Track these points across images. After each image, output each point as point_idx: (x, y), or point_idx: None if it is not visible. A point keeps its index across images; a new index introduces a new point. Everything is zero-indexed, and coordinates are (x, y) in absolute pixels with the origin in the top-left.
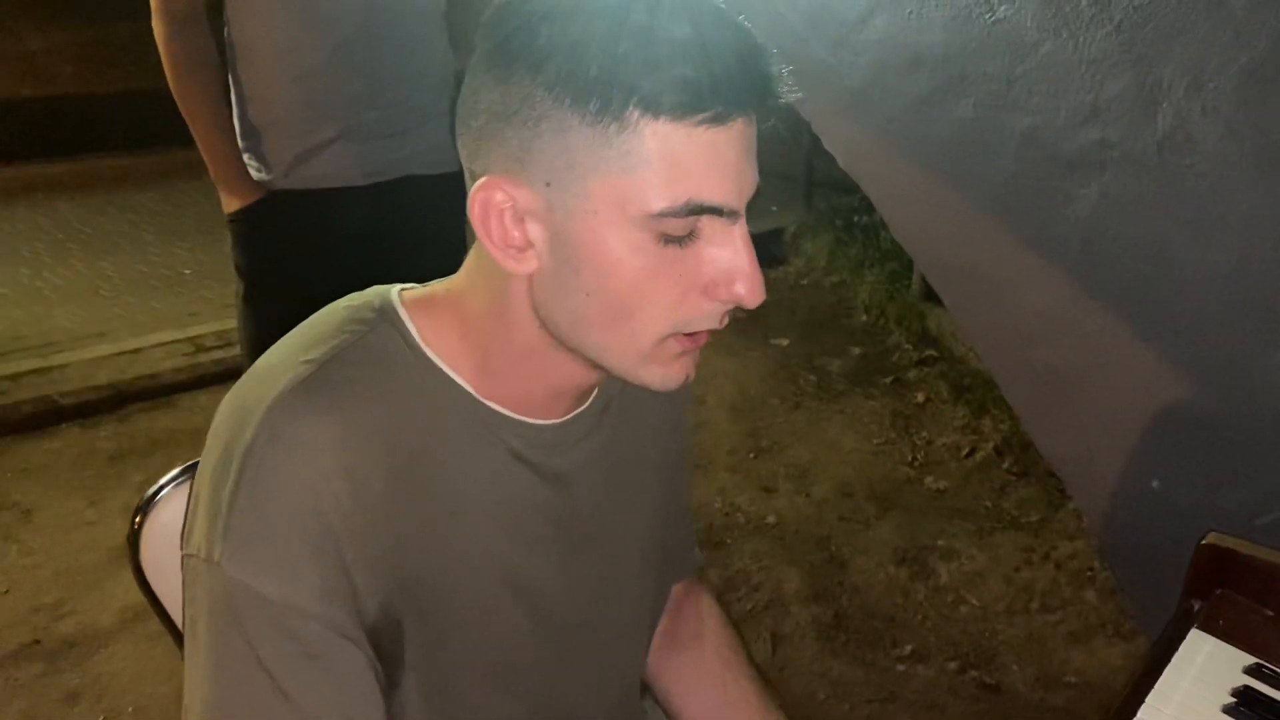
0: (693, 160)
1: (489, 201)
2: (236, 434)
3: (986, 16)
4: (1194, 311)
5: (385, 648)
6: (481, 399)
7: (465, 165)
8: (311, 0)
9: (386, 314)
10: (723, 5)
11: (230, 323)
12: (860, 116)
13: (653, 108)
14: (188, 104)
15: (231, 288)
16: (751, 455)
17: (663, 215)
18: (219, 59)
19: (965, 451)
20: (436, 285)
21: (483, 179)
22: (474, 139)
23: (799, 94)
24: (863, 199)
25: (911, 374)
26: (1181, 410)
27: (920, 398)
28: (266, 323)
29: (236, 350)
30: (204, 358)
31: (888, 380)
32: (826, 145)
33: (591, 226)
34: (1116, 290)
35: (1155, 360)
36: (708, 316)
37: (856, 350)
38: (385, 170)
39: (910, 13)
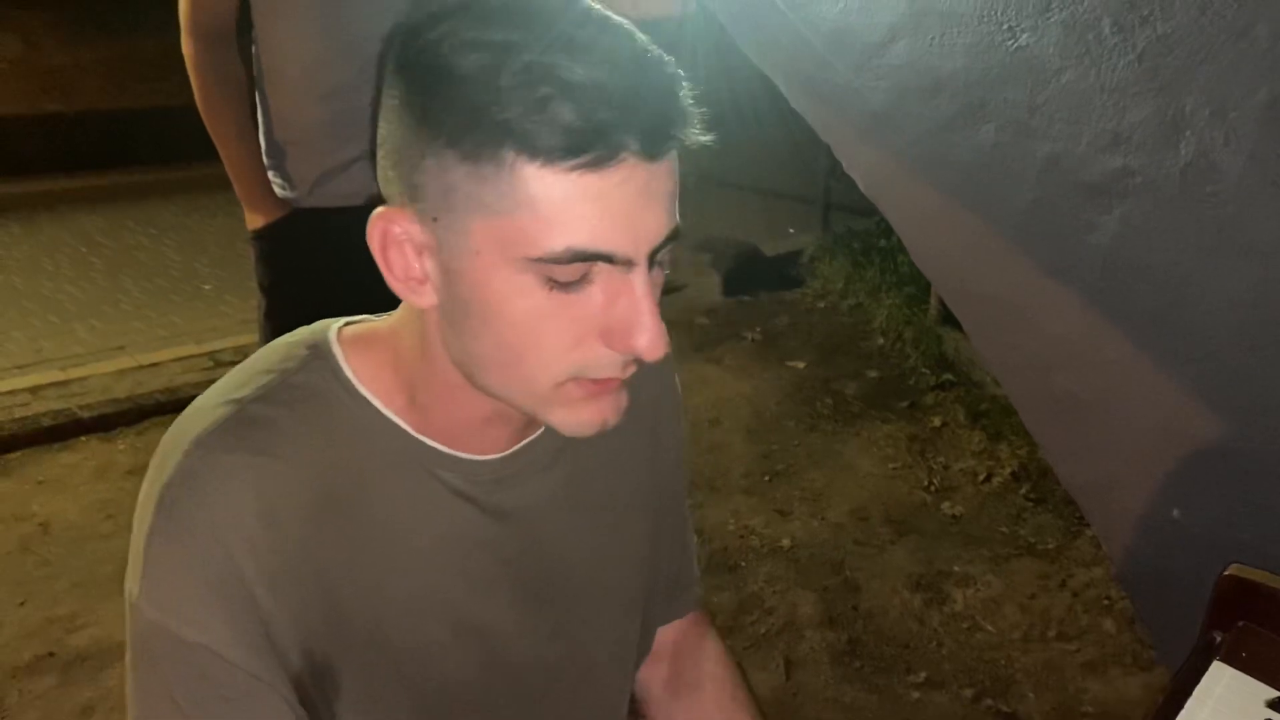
0: (574, 206)
1: (387, 233)
2: (158, 474)
3: (1008, 43)
4: (1215, 340)
5: (317, 691)
6: (416, 434)
7: (380, 190)
8: (339, 20)
9: (319, 351)
10: (639, 36)
11: (248, 337)
12: (881, 141)
13: (528, 150)
14: (214, 122)
15: (250, 302)
16: (766, 478)
17: (544, 260)
18: (246, 78)
19: (982, 477)
20: (379, 320)
21: (380, 209)
22: (380, 166)
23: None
24: (880, 222)
25: (928, 398)
26: (1202, 439)
27: (937, 422)
28: None
29: None
30: (221, 372)
31: (904, 404)
32: (846, 169)
33: (475, 266)
34: (1137, 318)
35: (1176, 388)
36: (608, 364)
37: (873, 374)
38: None
39: (932, 38)
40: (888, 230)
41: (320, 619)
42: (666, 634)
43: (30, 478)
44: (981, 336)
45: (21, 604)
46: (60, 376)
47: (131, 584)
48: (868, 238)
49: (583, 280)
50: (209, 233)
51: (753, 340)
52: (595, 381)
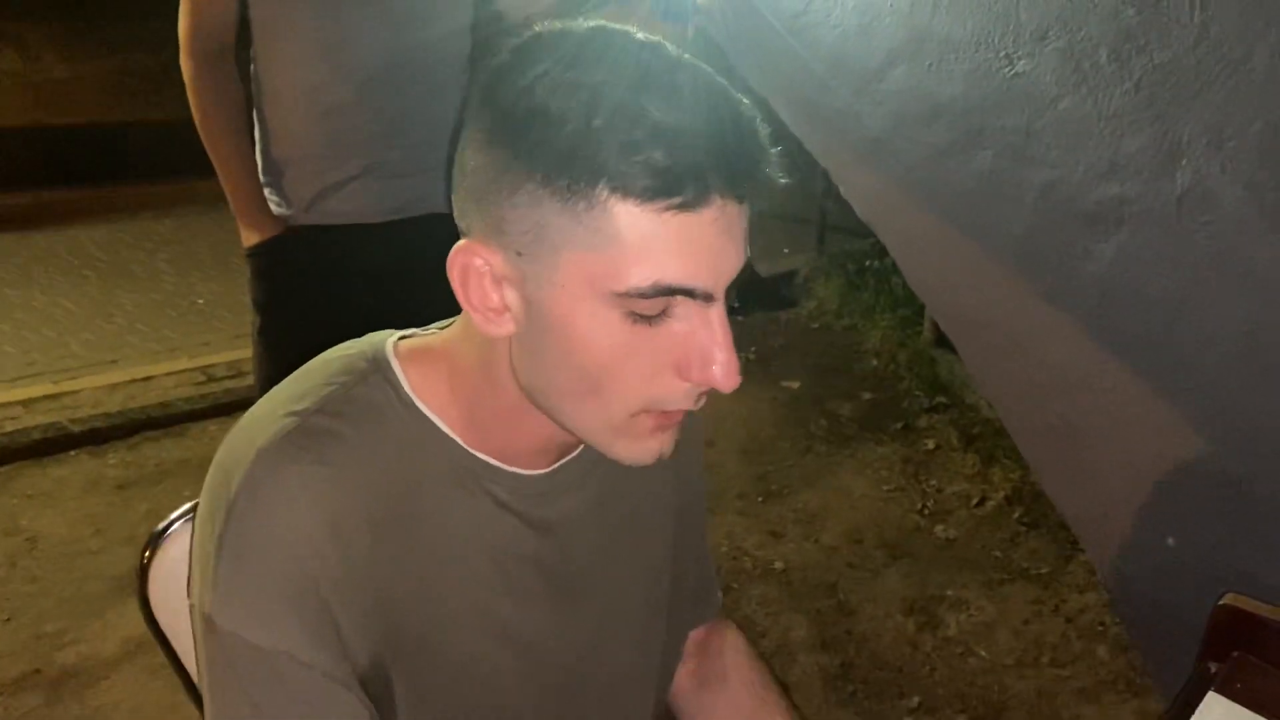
0: (663, 243)
1: (468, 265)
2: (222, 486)
3: (1006, 70)
4: (1211, 368)
5: (375, 699)
6: (469, 449)
7: (456, 220)
8: (339, 39)
9: (378, 364)
10: (718, 79)
11: (242, 352)
12: (879, 165)
13: (621, 189)
14: (212, 139)
15: (244, 318)
16: (760, 499)
17: (629, 295)
18: (244, 95)
19: (975, 500)
20: (433, 335)
21: (462, 242)
22: (461, 199)
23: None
24: (875, 244)
25: (922, 421)
26: (1198, 467)
27: (930, 445)
28: (282, 357)
29: (247, 380)
30: (215, 387)
31: (898, 426)
32: (844, 193)
33: (560, 300)
34: (1134, 345)
35: (1172, 416)
36: (681, 396)
37: (867, 395)
38: (406, 208)
39: (930, 64)
40: (882, 252)
41: (378, 628)
42: (693, 634)
43: (19, 491)
44: (977, 362)
45: (8, 620)
46: (52, 390)
47: (201, 597)
48: (862, 259)
49: (663, 314)
50: (204, 247)
51: (747, 360)
52: (665, 413)
